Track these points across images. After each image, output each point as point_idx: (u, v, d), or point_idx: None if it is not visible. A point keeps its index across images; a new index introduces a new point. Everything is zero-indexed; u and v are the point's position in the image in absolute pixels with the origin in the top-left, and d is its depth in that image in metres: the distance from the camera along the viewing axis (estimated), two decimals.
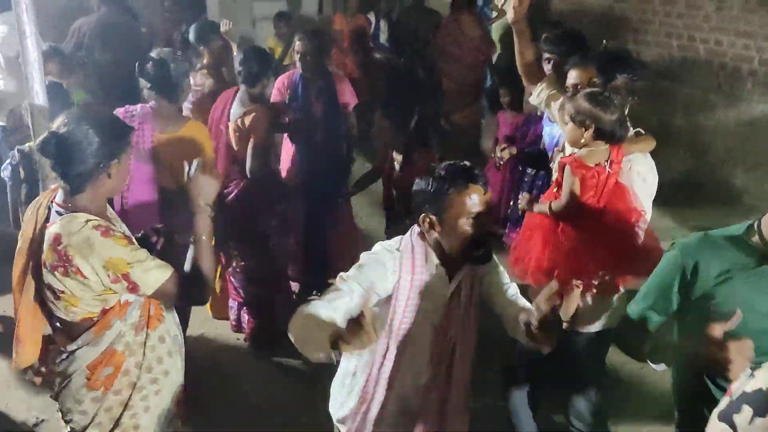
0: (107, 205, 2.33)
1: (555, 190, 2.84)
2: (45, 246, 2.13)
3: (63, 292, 2.14)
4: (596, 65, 2.96)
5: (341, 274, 2.17)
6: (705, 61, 6.64)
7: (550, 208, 2.79)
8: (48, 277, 2.14)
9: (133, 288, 2.14)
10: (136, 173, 3.27)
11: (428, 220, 2.18)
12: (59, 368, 2.29)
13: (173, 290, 2.18)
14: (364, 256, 2.23)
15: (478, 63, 6.94)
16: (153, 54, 3.33)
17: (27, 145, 3.30)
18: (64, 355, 2.28)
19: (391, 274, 2.17)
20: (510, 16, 3.07)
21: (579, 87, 2.97)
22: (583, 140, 2.73)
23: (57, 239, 2.10)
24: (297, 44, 4.34)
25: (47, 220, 2.19)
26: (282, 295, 4.20)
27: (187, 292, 2.23)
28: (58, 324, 2.27)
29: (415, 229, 2.27)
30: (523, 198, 2.94)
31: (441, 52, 6.86)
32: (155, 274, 2.15)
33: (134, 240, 2.31)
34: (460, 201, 2.13)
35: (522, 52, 3.29)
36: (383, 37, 8.18)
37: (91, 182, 2.17)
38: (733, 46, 6.37)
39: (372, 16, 8.11)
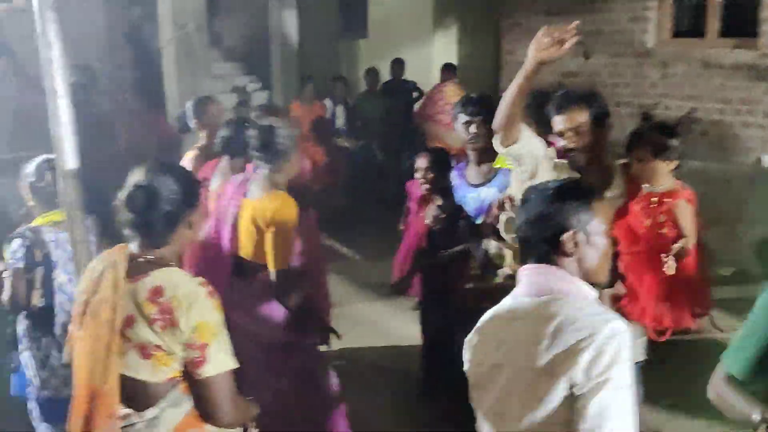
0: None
1: (662, 231, 2.90)
2: (137, 299, 2.04)
3: (159, 347, 2.03)
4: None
5: None
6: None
7: (681, 250, 2.84)
8: (141, 333, 2.02)
9: (200, 362, 2.04)
10: (218, 239, 3.31)
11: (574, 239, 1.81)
12: None
13: (226, 387, 2.07)
14: None
15: None
16: (260, 122, 3.38)
17: (41, 221, 3.17)
18: (140, 425, 2.09)
19: None
20: (546, 56, 2.64)
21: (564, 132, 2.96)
22: (667, 174, 2.85)
23: (158, 291, 2.03)
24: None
25: (127, 274, 2.09)
26: None
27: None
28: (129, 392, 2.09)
29: (555, 270, 1.84)
30: (669, 263, 2.85)
31: (431, 120, 7.55)
32: (225, 359, 2.09)
33: None
34: (600, 209, 1.88)
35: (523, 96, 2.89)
36: (340, 122, 8.38)
37: (175, 233, 2.16)
38: (681, 109, 6.81)
39: (328, 102, 8.33)
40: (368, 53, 9.65)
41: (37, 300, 3.16)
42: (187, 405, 2.12)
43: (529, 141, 2.88)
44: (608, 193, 2.93)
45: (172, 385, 2.10)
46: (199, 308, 2.04)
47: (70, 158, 2.45)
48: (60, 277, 3.17)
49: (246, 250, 3.31)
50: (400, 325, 4.99)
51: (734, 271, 6.20)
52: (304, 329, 3.35)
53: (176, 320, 2.01)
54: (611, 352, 1.64)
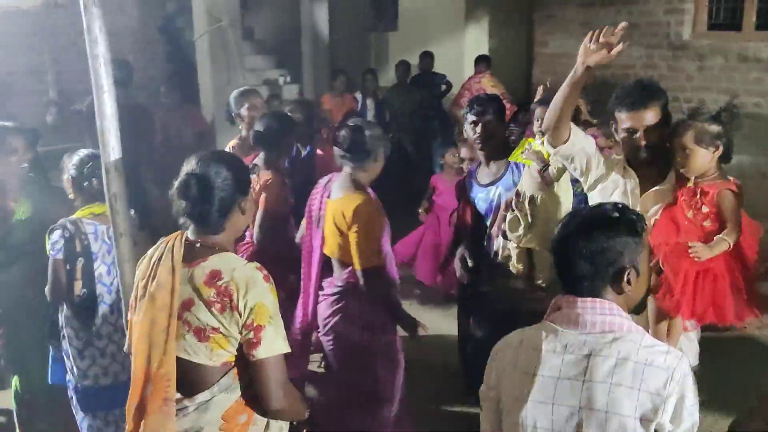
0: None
1: (705, 224, 2.86)
2: (195, 283, 2.11)
3: (216, 329, 2.09)
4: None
5: None
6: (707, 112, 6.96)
7: (722, 243, 2.82)
8: (200, 316, 2.09)
9: (254, 344, 2.10)
10: (310, 239, 3.42)
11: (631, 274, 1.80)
12: (183, 426, 2.15)
13: (277, 370, 2.12)
14: None
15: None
16: (348, 122, 3.43)
17: (82, 213, 3.26)
18: (191, 409, 2.16)
19: None
20: (594, 60, 2.64)
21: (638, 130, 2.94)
22: (710, 163, 2.84)
23: (216, 275, 2.11)
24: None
25: (184, 260, 2.17)
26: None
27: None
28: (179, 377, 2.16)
29: (614, 307, 1.81)
30: (697, 248, 2.82)
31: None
32: (280, 342, 2.13)
33: None
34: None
35: (573, 100, 2.87)
36: (370, 115, 8.41)
37: (229, 219, 2.24)
38: (716, 103, 6.72)
39: (358, 95, 8.37)
40: (398, 46, 9.67)
41: (78, 290, 3.24)
42: (238, 391, 2.18)
43: (579, 139, 2.91)
44: (658, 186, 2.95)
45: (226, 370, 2.16)
46: (256, 291, 2.10)
47: (114, 151, 2.52)
48: (100, 268, 3.26)
49: (331, 249, 3.36)
50: (434, 318, 5.02)
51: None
52: (392, 326, 3.37)
53: (234, 302, 2.08)
54: (690, 388, 1.70)
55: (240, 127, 4.50)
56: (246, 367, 2.15)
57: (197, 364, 2.14)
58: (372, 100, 8.41)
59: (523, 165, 3.44)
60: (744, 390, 3.73)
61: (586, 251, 1.78)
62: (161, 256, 2.19)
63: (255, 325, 2.09)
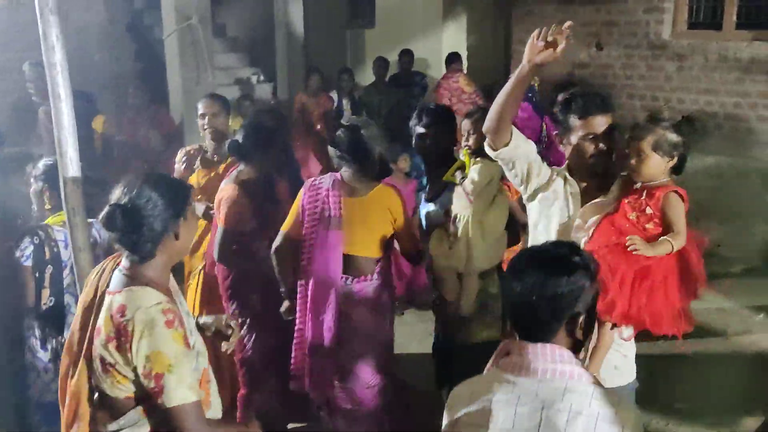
0: (170, 275, 2.27)
1: (648, 226, 2.83)
2: (103, 313, 2.07)
3: (113, 365, 2.05)
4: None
5: None
6: (669, 119, 7.01)
7: (665, 244, 2.77)
8: (100, 348, 2.06)
9: (157, 393, 2.03)
10: (323, 241, 3.32)
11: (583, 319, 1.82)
12: None
13: (189, 420, 2.04)
14: None
15: None
16: (344, 121, 3.43)
17: (53, 220, 3.20)
18: None
19: None
20: (540, 59, 2.56)
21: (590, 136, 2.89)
22: (662, 172, 2.82)
23: (121, 310, 2.04)
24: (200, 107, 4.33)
25: (109, 285, 2.13)
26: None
27: None
28: (99, 400, 2.16)
29: (563, 352, 1.82)
30: (636, 240, 2.74)
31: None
32: (184, 392, 2.04)
33: (189, 340, 2.16)
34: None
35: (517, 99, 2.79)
36: (346, 115, 8.36)
37: (161, 247, 2.14)
38: (696, 103, 6.79)
39: (334, 95, 8.32)
40: (376, 44, 9.63)
41: (45, 299, 3.20)
42: (146, 428, 2.12)
43: (520, 143, 2.84)
44: (600, 198, 2.86)
45: (131, 405, 2.11)
46: (153, 338, 2.01)
47: (72, 163, 2.47)
48: (69, 277, 3.20)
49: (361, 245, 3.36)
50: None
51: (745, 267, 6.21)
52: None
53: (129, 345, 2.01)
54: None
55: (201, 134, 4.30)
56: (154, 408, 2.08)
57: (106, 393, 2.12)
58: (348, 99, 8.37)
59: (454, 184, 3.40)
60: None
61: (545, 294, 1.75)
62: (94, 277, 2.20)
63: (154, 373, 2.02)
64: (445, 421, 1.95)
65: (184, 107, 7.03)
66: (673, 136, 2.78)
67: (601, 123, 2.80)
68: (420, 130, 3.48)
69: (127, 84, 7.25)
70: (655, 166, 2.79)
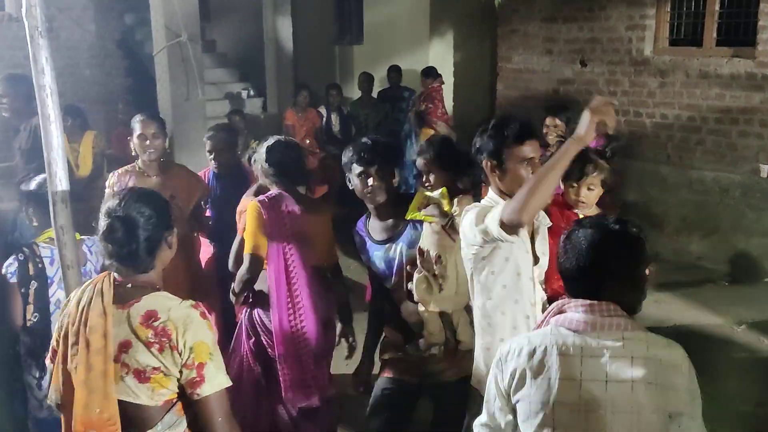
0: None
1: None
2: (132, 325, 2.13)
3: (157, 369, 2.11)
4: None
5: None
6: (653, 134, 7.14)
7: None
8: (139, 358, 2.11)
9: (197, 382, 2.14)
10: (297, 258, 3.40)
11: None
12: None
13: (224, 406, 2.17)
14: None
15: None
16: (271, 140, 3.51)
17: (43, 237, 3.24)
18: None
19: None
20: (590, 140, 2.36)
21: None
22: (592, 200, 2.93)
23: (151, 315, 2.13)
24: (206, 143, 4.48)
25: (116, 302, 2.18)
26: None
27: None
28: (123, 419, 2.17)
29: (617, 307, 2.01)
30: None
31: (437, 123, 7.92)
32: (222, 378, 2.18)
33: None
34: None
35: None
36: (335, 130, 8.46)
37: (157, 256, 2.26)
38: (679, 119, 6.89)
39: (323, 110, 8.40)
40: (364, 59, 9.72)
41: (29, 314, 3.24)
42: (183, 425, 2.21)
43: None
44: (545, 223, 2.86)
45: (168, 407, 2.18)
46: (194, 330, 2.14)
47: (61, 182, 2.52)
48: (57, 293, 3.24)
49: (324, 257, 3.54)
50: None
51: (730, 280, 6.29)
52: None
53: (174, 342, 2.11)
54: (693, 374, 1.96)
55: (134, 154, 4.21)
56: (191, 404, 2.18)
57: (139, 405, 2.15)
58: (337, 114, 8.46)
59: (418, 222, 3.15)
60: None
61: (609, 262, 1.97)
62: (90, 300, 2.19)
63: (197, 363, 2.13)
64: (493, 376, 2.11)
65: (173, 122, 7.08)
66: (590, 168, 3.02)
67: (536, 148, 2.71)
68: (359, 168, 3.12)
69: (117, 99, 7.30)
70: (596, 198, 2.96)
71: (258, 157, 3.63)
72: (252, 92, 9.97)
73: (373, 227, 3.27)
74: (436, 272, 3.02)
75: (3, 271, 3.19)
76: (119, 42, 9.18)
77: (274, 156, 3.48)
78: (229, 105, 9.23)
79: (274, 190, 3.53)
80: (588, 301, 1.99)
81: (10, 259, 3.20)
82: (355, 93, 9.08)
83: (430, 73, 8.25)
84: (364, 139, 3.21)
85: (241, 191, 4.13)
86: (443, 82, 8.27)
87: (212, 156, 4.44)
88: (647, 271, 2.05)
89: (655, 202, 7.10)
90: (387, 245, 3.22)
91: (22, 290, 3.20)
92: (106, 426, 2.12)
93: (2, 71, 7.50)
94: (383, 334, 3.43)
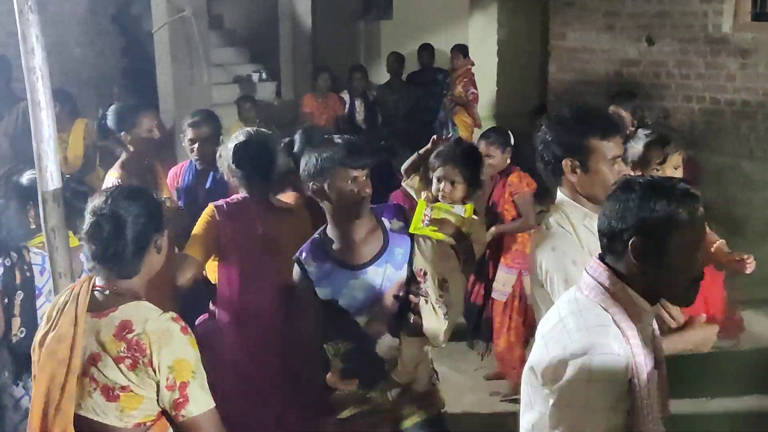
0: None
1: None
2: (102, 337, 2.17)
3: (125, 388, 2.16)
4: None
5: None
6: (732, 124, 7.04)
7: None
8: (107, 373, 2.16)
9: (181, 403, 2.19)
10: (258, 273, 3.37)
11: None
12: None
13: (215, 428, 2.24)
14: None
15: None
16: (241, 136, 3.48)
17: (36, 240, 3.26)
18: None
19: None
20: None
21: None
22: None
23: (126, 326, 2.17)
24: (188, 131, 4.37)
25: (91, 309, 2.23)
26: None
27: None
28: None
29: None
30: None
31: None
32: (206, 397, 2.24)
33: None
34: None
35: None
36: (359, 118, 8.44)
37: (144, 260, 2.30)
38: (764, 107, 6.78)
39: (346, 95, 8.40)
40: (392, 38, 9.72)
41: (16, 330, 3.24)
42: None
43: None
44: None
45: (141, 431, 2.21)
46: (173, 346, 2.18)
47: (53, 178, 2.53)
48: (46, 306, 3.25)
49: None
50: None
51: None
52: None
53: (148, 359, 2.14)
54: None
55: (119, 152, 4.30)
56: (177, 427, 2.22)
57: (107, 426, 2.19)
58: (361, 100, 8.44)
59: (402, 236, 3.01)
60: None
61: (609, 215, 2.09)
62: (65, 305, 2.25)
63: (179, 383, 2.17)
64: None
65: (175, 109, 7.12)
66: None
67: (620, 145, 2.74)
68: (353, 173, 2.85)
69: (112, 83, 7.36)
70: None
71: (224, 153, 3.56)
72: (264, 75, 9.99)
73: (341, 248, 2.95)
74: (442, 299, 2.92)
75: None
76: (114, 17, 9.25)
77: (243, 154, 3.44)
78: (238, 90, 9.25)
79: (238, 195, 3.49)
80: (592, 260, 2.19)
81: None
82: (382, 76, 9.07)
83: (464, 50, 8.23)
84: (341, 138, 2.98)
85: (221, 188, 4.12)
86: (473, 63, 8.24)
87: (196, 146, 4.32)
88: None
89: (735, 202, 6.98)
90: (366, 269, 2.92)
91: (5, 300, 3.20)
92: None
93: None
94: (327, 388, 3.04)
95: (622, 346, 1.97)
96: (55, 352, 2.19)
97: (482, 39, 8.98)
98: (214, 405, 2.25)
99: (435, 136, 3.90)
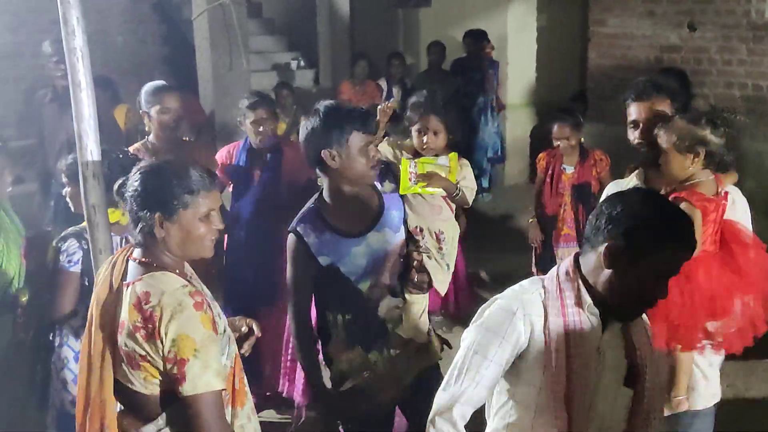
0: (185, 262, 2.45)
1: None
2: (125, 306, 2.22)
3: (144, 357, 2.19)
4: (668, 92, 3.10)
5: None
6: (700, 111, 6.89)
7: None
8: (127, 342, 2.20)
9: (178, 380, 2.16)
10: None
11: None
12: None
13: (209, 410, 2.17)
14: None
15: None
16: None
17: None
18: None
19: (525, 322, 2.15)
20: None
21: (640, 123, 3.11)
22: (690, 169, 2.88)
23: (144, 297, 2.20)
24: (249, 114, 4.53)
25: (124, 277, 2.31)
26: None
27: None
28: (128, 403, 2.31)
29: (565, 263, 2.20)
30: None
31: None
32: (209, 379, 2.18)
33: (218, 324, 2.32)
34: None
35: None
36: (396, 106, 8.47)
37: (156, 236, 2.30)
38: None
39: (383, 83, 8.45)
40: (431, 24, 9.71)
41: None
42: None
43: None
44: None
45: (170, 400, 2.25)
46: (181, 320, 2.16)
47: (93, 156, 2.62)
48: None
49: None
50: None
51: None
52: None
53: (157, 330, 2.15)
54: None
55: (148, 129, 4.58)
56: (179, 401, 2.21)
57: (138, 393, 2.25)
58: (399, 88, 8.47)
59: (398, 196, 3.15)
60: None
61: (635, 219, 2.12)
62: (107, 268, 2.33)
63: (178, 358, 2.14)
64: None
65: (214, 95, 7.23)
66: (696, 130, 2.83)
67: (651, 109, 3.02)
68: (370, 138, 2.94)
69: (152, 70, 7.48)
70: (677, 164, 2.87)
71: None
72: (302, 63, 10.07)
73: (340, 216, 2.98)
74: (442, 250, 3.01)
75: (63, 258, 3.26)
76: (155, 5, 9.39)
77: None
78: (276, 77, 9.34)
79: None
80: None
81: (73, 246, 3.27)
82: (420, 63, 9.08)
83: (485, 35, 8.39)
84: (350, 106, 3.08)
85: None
86: (494, 48, 8.39)
87: (260, 128, 4.50)
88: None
89: None
90: (366, 236, 2.98)
91: (86, 281, 3.23)
92: (98, 409, 2.23)
93: (24, 38, 7.84)
94: (330, 356, 3.13)
95: (532, 311, 2.11)
96: (95, 319, 2.28)
97: (521, 26, 8.96)
98: (219, 389, 2.20)
99: (381, 106, 4.09)
